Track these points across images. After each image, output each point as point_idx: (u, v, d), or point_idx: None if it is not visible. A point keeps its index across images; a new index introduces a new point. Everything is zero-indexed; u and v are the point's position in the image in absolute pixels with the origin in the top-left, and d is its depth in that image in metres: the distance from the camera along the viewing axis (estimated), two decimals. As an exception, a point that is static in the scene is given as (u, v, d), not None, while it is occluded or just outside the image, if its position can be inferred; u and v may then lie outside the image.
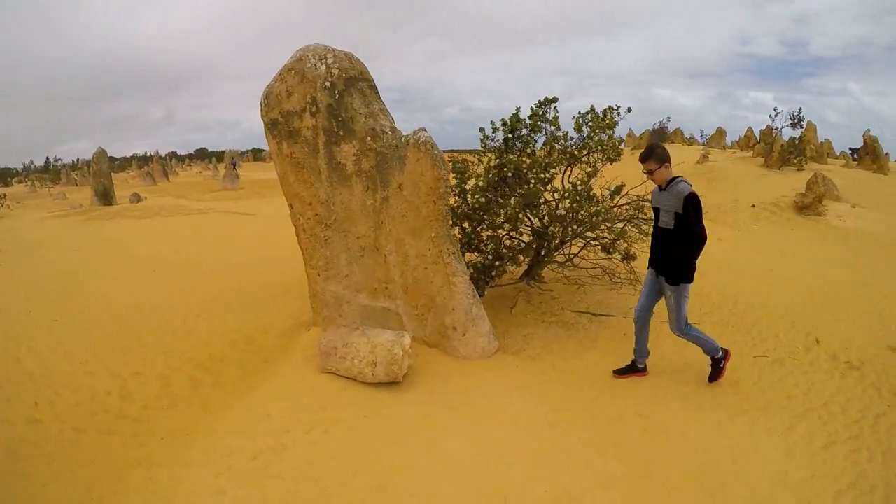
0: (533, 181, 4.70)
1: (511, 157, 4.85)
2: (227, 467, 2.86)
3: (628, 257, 5.40)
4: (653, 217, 3.89)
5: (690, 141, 29.05)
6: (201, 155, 78.54)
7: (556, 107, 5.45)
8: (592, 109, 5.56)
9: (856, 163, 17.80)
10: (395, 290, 4.34)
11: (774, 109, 20.67)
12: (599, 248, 5.53)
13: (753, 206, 14.17)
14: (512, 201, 4.56)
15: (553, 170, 5.16)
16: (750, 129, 23.49)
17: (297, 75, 4.01)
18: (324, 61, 4.02)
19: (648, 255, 3.99)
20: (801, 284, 7.79)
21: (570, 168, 5.49)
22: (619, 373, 4.09)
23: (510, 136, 5.14)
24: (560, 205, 5.34)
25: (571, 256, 5.80)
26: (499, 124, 5.31)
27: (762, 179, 16.61)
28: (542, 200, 5.32)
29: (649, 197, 6.00)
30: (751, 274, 8.32)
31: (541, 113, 5.48)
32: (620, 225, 5.38)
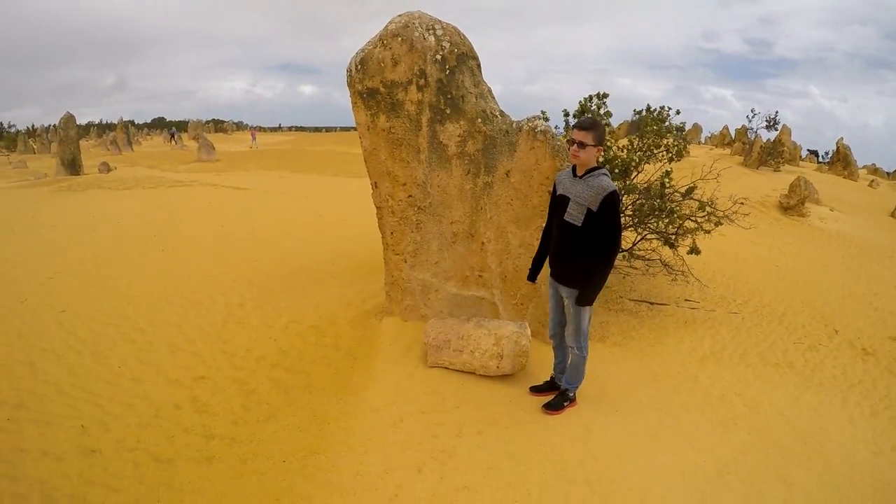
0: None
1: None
2: (396, 487, 2.51)
3: (694, 251, 5.46)
4: (552, 209, 3.16)
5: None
6: (160, 124, 74.61)
7: (606, 103, 5.69)
8: (648, 108, 5.92)
9: (827, 167, 18.92)
10: (490, 279, 4.15)
11: (752, 111, 21.62)
12: (662, 241, 5.57)
13: (742, 203, 14.83)
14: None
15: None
16: (726, 128, 24.43)
17: (405, 43, 3.68)
18: (432, 32, 3.72)
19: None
20: (808, 281, 8.30)
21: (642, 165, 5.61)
22: (537, 390, 3.44)
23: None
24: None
25: (630, 247, 5.85)
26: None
27: (743, 178, 17.33)
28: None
29: (707, 198, 5.92)
30: (761, 269, 8.73)
31: (590, 107, 5.64)
32: (685, 222, 5.44)
